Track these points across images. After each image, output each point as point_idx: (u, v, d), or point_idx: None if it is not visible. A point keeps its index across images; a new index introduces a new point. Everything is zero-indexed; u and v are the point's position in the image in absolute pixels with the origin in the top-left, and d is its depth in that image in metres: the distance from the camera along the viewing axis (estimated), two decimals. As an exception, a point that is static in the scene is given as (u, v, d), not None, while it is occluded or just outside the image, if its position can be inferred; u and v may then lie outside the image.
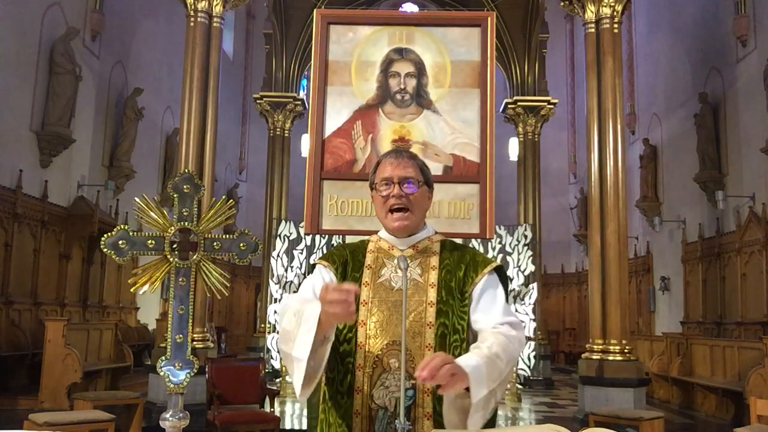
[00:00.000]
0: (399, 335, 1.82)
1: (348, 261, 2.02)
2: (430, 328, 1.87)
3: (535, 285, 11.85)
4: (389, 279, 1.96)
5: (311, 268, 2.08)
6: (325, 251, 12.05)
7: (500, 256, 11.53)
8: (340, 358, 1.89)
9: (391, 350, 1.85)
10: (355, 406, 1.85)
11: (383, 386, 1.84)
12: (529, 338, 11.19)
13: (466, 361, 1.67)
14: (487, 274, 1.96)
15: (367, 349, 1.87)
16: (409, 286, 1.92)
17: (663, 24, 14.58)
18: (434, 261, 1.98)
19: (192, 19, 8.57)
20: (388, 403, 1.83)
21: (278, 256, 11.58)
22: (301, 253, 11.59)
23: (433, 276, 1.95)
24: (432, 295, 1.92)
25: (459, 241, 2.26)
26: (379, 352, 1.86)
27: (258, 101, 14.43)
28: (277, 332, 2.30)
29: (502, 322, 1.88)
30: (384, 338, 1.87)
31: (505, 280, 2.03)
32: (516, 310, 10.91)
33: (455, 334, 1.87)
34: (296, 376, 1.78)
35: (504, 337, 1.81)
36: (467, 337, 1.88)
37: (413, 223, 1.99)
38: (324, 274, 2.01)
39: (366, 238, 2.11)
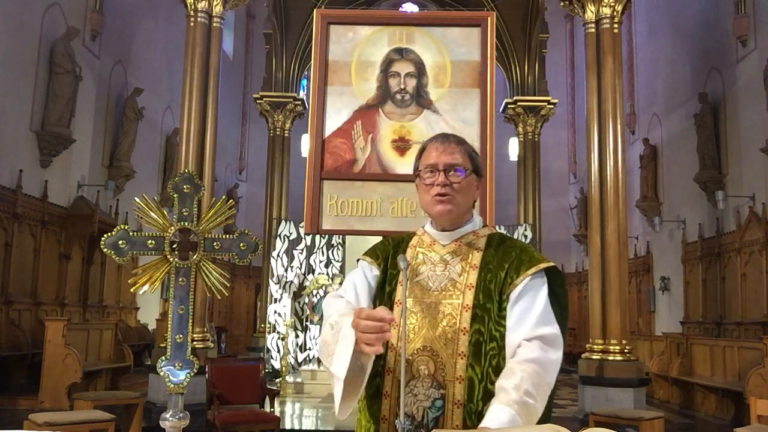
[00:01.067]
0: (431, 340, 1.71)
1: (389, 256, 1.89)
2: (464, 334, 1.72)
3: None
4: (427, 278, 1.82)
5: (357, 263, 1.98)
6: (324, 251, 12.06)
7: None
8: (377, 358, 1.75)
9: (422, 355, 1.72)
10: (383, 411, 1.74)
11: (411, 393, 1.71)
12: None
13: (495, 419, 1.55)
14: (529, 276, 1.76)
15: (398, 353, 1.72)
16: (447, 286, 1.79)
17: (663, 24, 14.57)
18: (476, 259, 1.81)
19: (192, 19, 8.56)
20: (415, 412, 1.70)
21: (278, 256, 11.58)
22: (301, 253, 11.59)
23: (473, 276, 1.78)
24: (469, 297, 1.75)
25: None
26: (409, 357, 1.73)
27: (258, 101, 14.44)
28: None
29: (531, 337, 1.69)
30: (415, 342, 1.74)
31: (559, 280, 1.81)
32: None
33: (492, 341, 1.71)
34: (335, 393, 1.71)
35: (534, 365, 1.64)
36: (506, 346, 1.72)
37: (458, 210, 1.82)
38: (366, 271, 1.89)
39: (412, 232, 1.97)
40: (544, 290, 1.77)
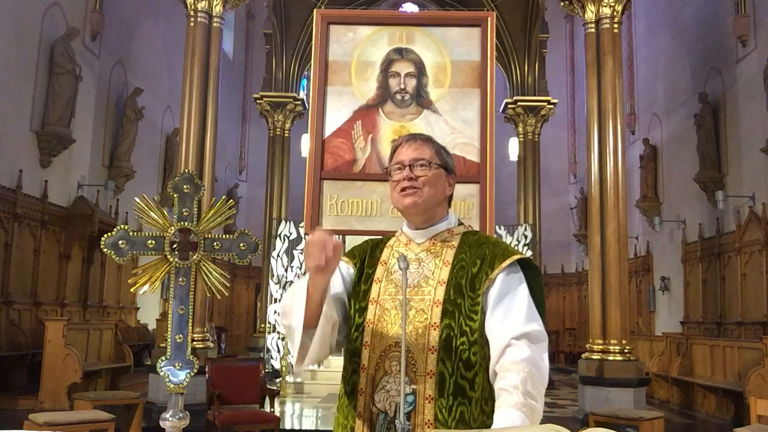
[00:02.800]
0: (401, 336, 1.71)
1: (366, 256, 1.93)
2: (434, 329, 1.74)
3: (535, 285, 11.82)
4: (401, 275, 1.82)
5: None
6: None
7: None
8: (349, 356, 1.82)
9: (393, 351, 1.75)
10: (358, 408, 1.77)
11: (384, 389, 1.74)
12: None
13: (507, 422, 1.58)
14: (505, 269, 1.78)
15: (371, 350, 1.77)
16: (420, 282, 1.81)
17: (663, 24, 14.57)
18: (449, 255, 1.83)
19: (192, 19, 8.57)
20: (388, 408, 1.73)
21: (278, 256, 11.58)
22: (301, 253, 11.58)
23: (445, 272, 1.81)
24: (440, 293, 1.78)
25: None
26: (382, 353, 1.76)
27: (258, 101, 14.44)
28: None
29: (519, 335, 1.70)
30: (388, 339, 1.77)
31: (533, 272, 1.83)
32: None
33: (462, 336, 1.73)
34: (294, 345, 1.76)
35: (529, 365, 1.66)
36: (477, 340, 1.73)
37: (425, 203, 1.84)
38: (342, 269, 1.92)
39: (392, 233, 2.00)
40: (524, 285, 1.79)
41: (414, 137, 1.93)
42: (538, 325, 1.74)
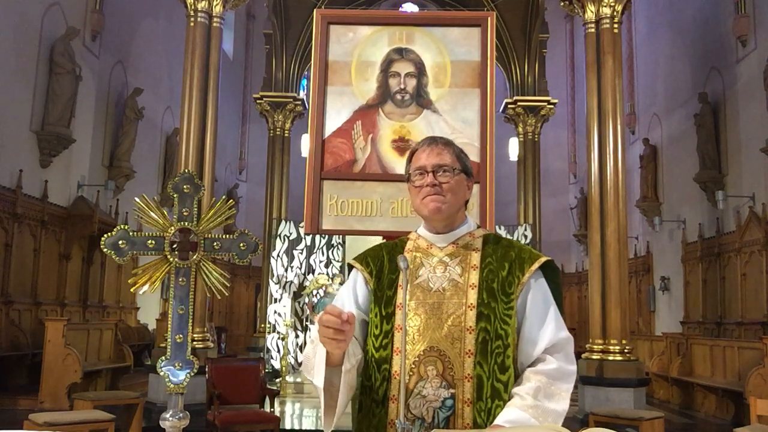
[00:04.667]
0: (437, 341, 1.75)
1: (384, 262, 1.91)
2: (470, 333, 1.75)
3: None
4: (427, 280, 1.84)
5: (349, 268, 2.00)
6: (324, 251, 12.07)
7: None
8: (376, 364, 1.79)
9: (429, 356, 1.75)
10: (390, 416, 1.74)
11: (420, 395, 1.73)
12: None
13: (509, 420, 1.63)
14: (534, 273, 1.82)
15: (404, 356, 1.73)
16: (449, 287, 1.81)
17: (663, 24, 14.57)
18: (475, 259, 1.84)
19: (192, 19, 8.56)
20: (425, 413, 1.73)
21: (278, 256, 11.57)
22: (301, 253, 11.59)
23: (474, 276, 1.81)
24: (472, 297, 1.78)
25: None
26: (416, 359, 1.75)
27: (258, 101, 14.44)
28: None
29: (549, 345, 1.76)
30: (421, 344, 1.76)
31: (554, 274, 1.88)
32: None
33: (497, 339, 1.75)
34: (321, 401, 1.75)
35: (548, 376, 1.72)
36: (511, 343, 1.76)
37: (449, 209, 1.85)
38: (358, 279, 1.92)
39: (404, 236, 1.99)
40: (549, 292, 1.84)
41: (435, 141, 1.92)
42: (565, 331, 1.80)
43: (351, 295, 1.91)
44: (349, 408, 1.84)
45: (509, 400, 1.71)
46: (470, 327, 1.75)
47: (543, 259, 1.84)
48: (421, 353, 1.76)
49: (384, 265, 1.91)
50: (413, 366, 1.75)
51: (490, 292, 1.79)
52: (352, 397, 1.84)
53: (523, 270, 1.81)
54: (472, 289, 1.80)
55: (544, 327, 1.78)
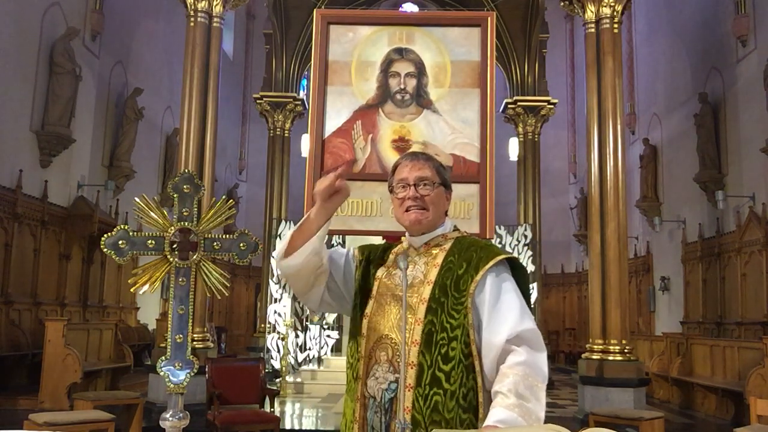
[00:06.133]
0: (390, 329, 1.93)
1: (373, 258, 2.11)
2: (418, 324, 1.90)
3: (535, 285, 11.83)
4: (398, 275, 1.99)
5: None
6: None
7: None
8: (355, 345, 2.00)
9: (383, 342, 1.93)
10: (357, 392, 1.95)
11: (374, 377, 1.92)
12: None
13: (499, 420, 1.69)
14: (493, 270, 1.92)
15: (367, 340, 1.96)
16: (414, 282, 1.97)
17: (663, 24, 14.57)
18: (439, 258, 1.99)
19: (192, 19, 8.57)
20: (376, 394, 1.90)
21: (278, 256, 11.56)
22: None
23: (433, 273, 1.96)
24: (426, 292, 1.93)
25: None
26: (374, 344, 1.94)
27: (258, 101, 14.44)
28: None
29: (514, 336, 1.82)
30: (379, 331, 1.95)
31: (520, 272, 1.98)
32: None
33: (443, 332, 1.87)
34: (282, 243, 2.01)
35: (524, 368, 1.79)
36: (458, 337, 1.86)
37: (428, 221, 2.01)
38: (349, 257, 2.13)
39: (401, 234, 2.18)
40: (512, 284, 1.93)
41: (416, 156, 2.08)
42: (530, 323, 1.87)
43: (344, 256, 2.13)
44: (340, 409, 1.98)
45: (493, 397, 1.78)
46: (419, 319, 1.90)
47: (498, 258, 1.93)
48: (378, 339, 1.95)
49: (372, 260, 2.11)
50: (371, 350, 1.94)
51: (443, 289, 1.92)
52: None
53: (477, 269, 1.92)
54: (429, 285, 1.95)
55: (503, 318, 1.86)
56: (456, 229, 2.08)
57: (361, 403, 1.93)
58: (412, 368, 1.86)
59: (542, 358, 1.84)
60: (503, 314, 1.86)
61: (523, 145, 14.14)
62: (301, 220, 2.01)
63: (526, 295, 1.95)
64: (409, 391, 1.85)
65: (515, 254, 12.25)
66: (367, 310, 2.00)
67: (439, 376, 1.84)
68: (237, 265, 15.89)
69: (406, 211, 2.00)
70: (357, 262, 2.12)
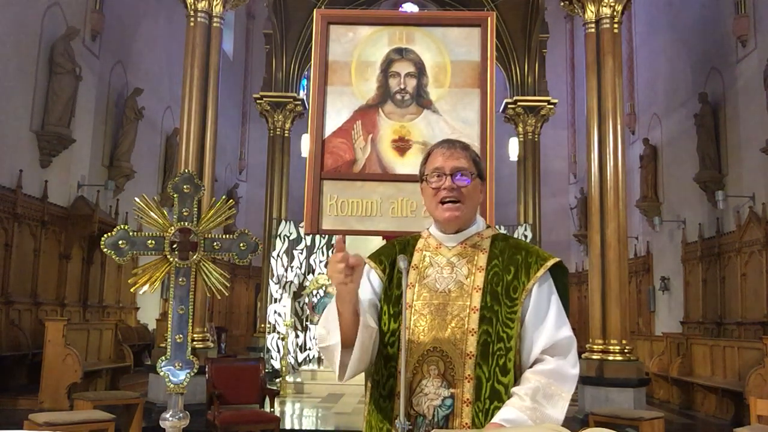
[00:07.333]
0: (440, 341, 1.78)
1: (395, 260, 1.92)
2: (472, 335, 1.78)
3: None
4: (434, 280, 1.87)
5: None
6: (324, 251, 12.05)
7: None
8: (384, 361, 1.83)
9: (432, 356, 1.78)
10: (395, 411, 1.77)
11: (422, 393, 1.78)
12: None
13: (506, 419, 1.66)
14: (539, 278, 1.83)
15: (409, 354, 1.79)
16: (454, 288, 1.84)
17: (663, 24, 14.57)
18: (482, 261, 1.86)
19: (192, 19, 8.56)
20: (426, 411, 1.76)
21: (278, 256, 11.58)
22: (301, 253, 11.59)
23: (480, 278, 1.83)
24: (476, 299, 1.81)
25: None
26: (420, 358, 1.79)
27: (258, 101, 14.44)
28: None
29: (548, 346, 1.78)
30: (425, 344, 1.80)
31: (561, 273, 1.89)
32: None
33: (499, 342, 1.77)
34: (334, 363, 1.78)
35: (548, 377, 1.74)
36: (513, 347, 1.78)
37: (464, 216, 1.87)
38: (371, 277, 1.93)
39: (417, 233, 2.01)
40: (554, 293, 1.84)
41: (452, 144, 1.92)
42: (566, 330, 1.81)
43: (366, 283, 1.91)
44: (360, 406, 1.86)
45: (509, 399, 1.73)
46: (473, 329, 1.78)
47: (549, 263, 1.84)
48: (425, 353, 1.79)
49: (396, 263, 1.92)
50: (417, 364, 1.78)
51: (494, 296, 1.80)
52: (366, 373, 1.87)
53: (528, 275, 1.82)
54: (477, 291, 1.82)
55: (542, 328, 1.79)
56: (488, 225, 1.97)
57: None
58: (468, 382, 1.75)
59: (571, 371, 1.78)
60: (544, 324, 1.80)
61: (523, 145, 14.14)
62: (330, 322, 1.76)
63: (565, 297, 1.88)
64: (467, 406, 1.74)
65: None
66: (408, 322, 1.81)
67: (498, 389, 1.75)
68: (237, 265, 15.88)
69: (441, 203, 1.85)
70: (379, 274, 1.93)
